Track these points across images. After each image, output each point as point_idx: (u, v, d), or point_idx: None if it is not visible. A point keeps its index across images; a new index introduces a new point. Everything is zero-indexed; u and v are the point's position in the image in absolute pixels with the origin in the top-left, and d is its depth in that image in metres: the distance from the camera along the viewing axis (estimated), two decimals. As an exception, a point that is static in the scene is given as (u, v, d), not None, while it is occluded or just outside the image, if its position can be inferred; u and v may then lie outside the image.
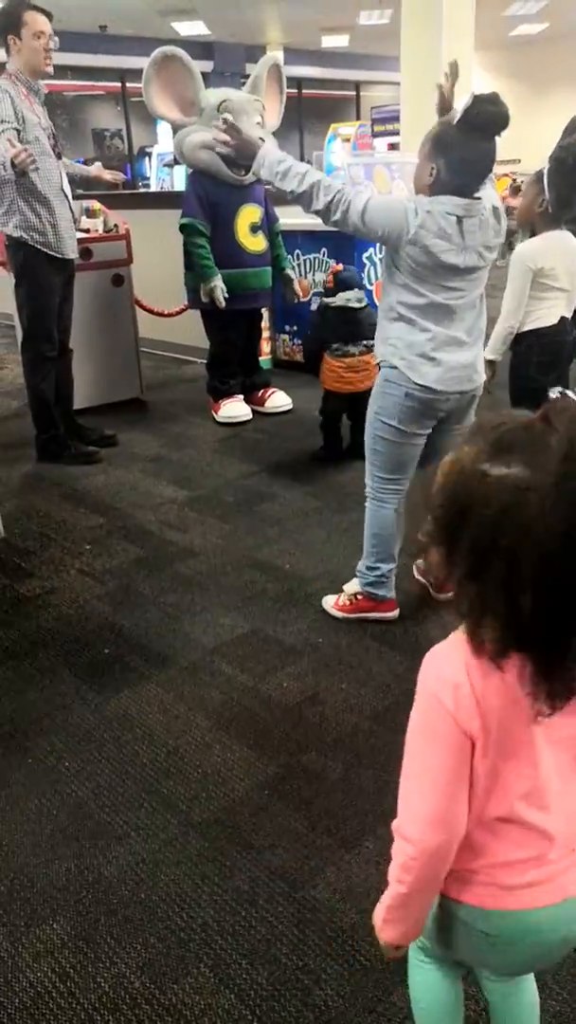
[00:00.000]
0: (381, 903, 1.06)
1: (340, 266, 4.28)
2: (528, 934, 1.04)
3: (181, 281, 4.65)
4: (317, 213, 2.41)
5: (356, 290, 4.00)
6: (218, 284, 4.31)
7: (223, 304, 4.33)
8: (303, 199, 2.39)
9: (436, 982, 1.24)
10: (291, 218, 4.80)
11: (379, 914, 1.07)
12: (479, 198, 2.33)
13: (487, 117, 2.18)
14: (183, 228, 4.37)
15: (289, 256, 5.59)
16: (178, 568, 3.12)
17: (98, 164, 4.48)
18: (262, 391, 4.91)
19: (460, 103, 2.21)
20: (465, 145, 2.23)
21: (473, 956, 1.12)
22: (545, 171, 2.90)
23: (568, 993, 1.48)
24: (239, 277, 4.45)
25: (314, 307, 4.64)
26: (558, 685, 0.89)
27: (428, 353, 2.41)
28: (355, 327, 3.90)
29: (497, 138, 2.27)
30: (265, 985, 1.53)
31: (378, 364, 2.54)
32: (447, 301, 2.39)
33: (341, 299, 3.95)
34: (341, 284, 4.03)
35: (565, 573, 0.82)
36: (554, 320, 3.04)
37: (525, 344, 3.11)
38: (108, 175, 4.36)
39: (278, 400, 4.88)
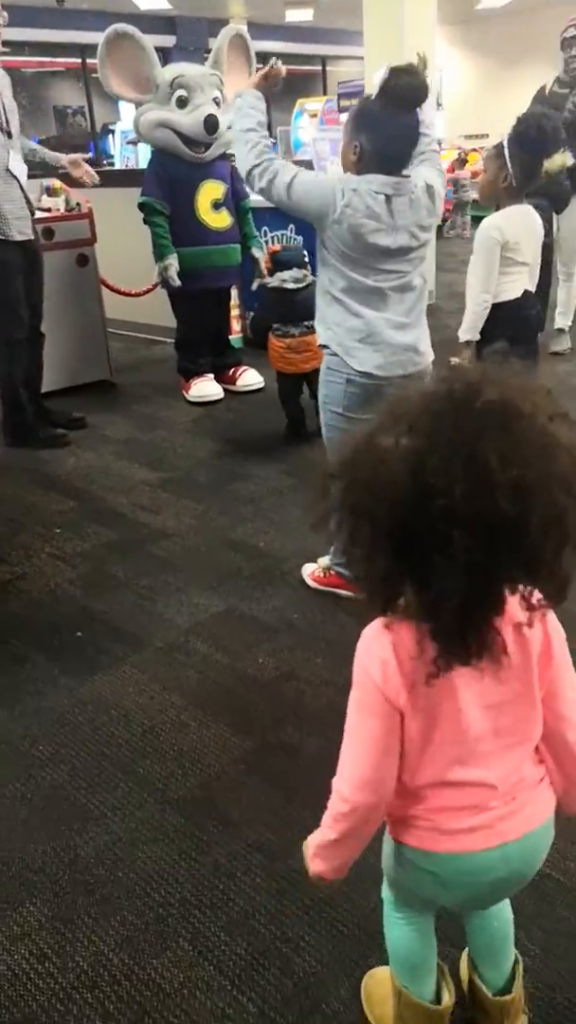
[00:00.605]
0: (313, 838, 1.17)
1: (278, 247, 4.28)
2: (470, 875, 1.11)
3: (149, 260, 4.59)
4: (247, 176, 2.40)
5: (296, 270, 3.98)
6: (172, 263, 4.26)
7: (176, 283, 4.29)
8: (241, 156, 2.39)
9: (410, 935, 1.28)
10: (257, 194, 4.75)
11: (309, 848, 1.18)
12: (407, 176, 2.30)
13: (405, 89, 2.14)
14: (141, 207, 4.33)
15: (258, 234, 5.56)
16: (151, 550, 3.11)
17: (76, 156, 4.41)
18: (233, 370, 4.88)
19: (377, 75, 2.17)
20: (387, 120, 2.20)
21: (426, 893, 1.18)
22: (506, 144, 2.88)
23: (540, 949, 1.51)
24: (203, 255, 4.41)
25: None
26: (455, 646, 0.94)
27: (364, 339, 2.37)
28: (293, 308, 3.86)
29: (419, 111, 2.22)
30: (244, 956, 1.55)
31: (321, 346, 2.51)
32: (379, 284, 2.35)
33: (277, 279, 3.94)
34: (279, 265, 4.03)
35: (416, 533, 0.86)
36: (518, 293, 3.04)
37: (490, 319, 3.11)
38: (81, 171, 4.29)
39: (249, 378, 4.86)
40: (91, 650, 2.52)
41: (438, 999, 1.29)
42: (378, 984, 1.42)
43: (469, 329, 3.04)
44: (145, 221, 4.34)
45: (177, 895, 1.68)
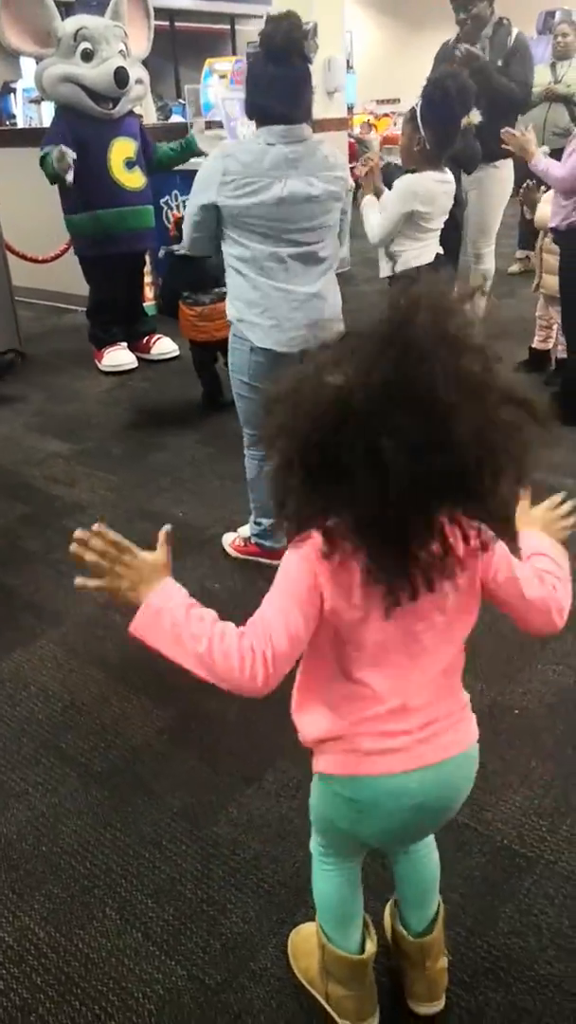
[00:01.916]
0: (174, 618, 1.04)
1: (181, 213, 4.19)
2: (387, 799, 1.12)
3: (57, 224, 4.45)
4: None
5: None
6: (65, 150, 3.99)
7: (70, 164, 4.00)
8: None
9: (337, 885, 1.32)
10: (167, 156, 4.65)
11: (154, 616, 1.05)
12: (301, 125, 2.25)
13: (281, 35, 2.11)
14: (42, 161, 4.12)
15: (167, 197, 5.44)
16: (67, 523, 3.05)
17: None
18: (147, 338, 4.80)
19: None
20: (271, 70, 2.16)
21: (347, 824, 1.19)
22: (418, 109, 2.87)
23: (459, 895, 1.57)
24: (117, 217, 4.30)
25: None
26: (391, 570, 0.93)
27: (263, 313, 2.33)
28: (203, 275, 3.78)
29: (308, 61, 2.19)
30: (171, 921, 1.56)
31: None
32: (279, 251, 2.29)
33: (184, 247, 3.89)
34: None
35: (343, 455, 0.86)
36: (430, 258, 3.06)
37: (403, 284, 3.14)
38: None
39: (164, 346, 4.78)
40: (7, 626, 2.47)
41: (361, 949, 1.33)
42: (303, 940, 1.45)
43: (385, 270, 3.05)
44: (49, 175, 4.14)
45: (102, 866, 1.68)
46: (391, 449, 0.84)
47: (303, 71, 2.20)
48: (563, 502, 1.26)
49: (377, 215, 3.01)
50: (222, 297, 3.89)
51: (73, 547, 1.06)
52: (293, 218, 2.26)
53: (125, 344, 4.69)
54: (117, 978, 1.47)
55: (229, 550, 2.80)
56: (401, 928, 1.37)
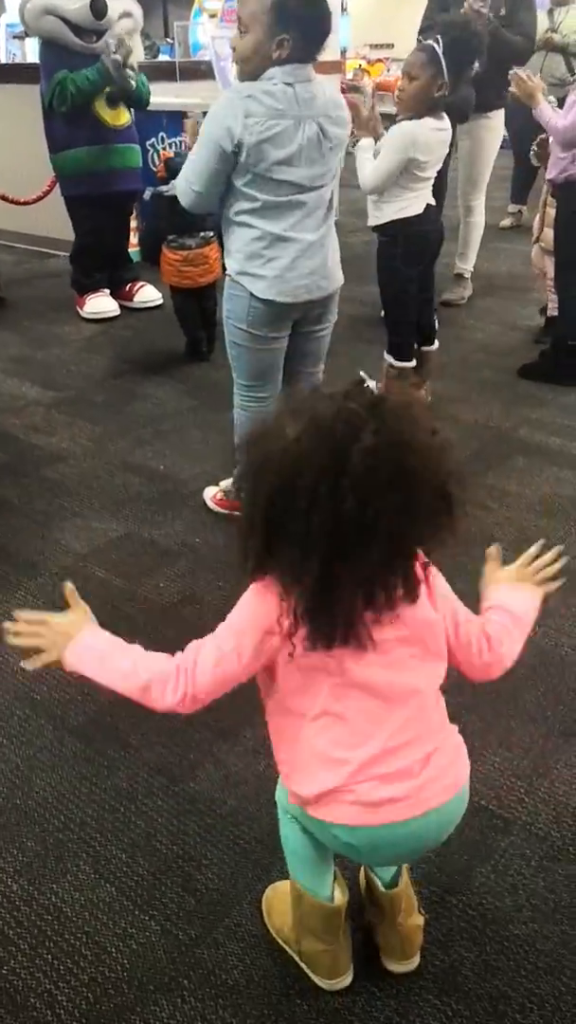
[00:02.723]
0: (103, 661, 1.16)
1: (172, 152, 4.05)
2: (386, 845, 1.16)
3: (39, 165, 4.30)
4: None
5: None
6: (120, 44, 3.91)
7: (130, 48, 3.91)
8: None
9: (305, 836, 1.30)
10: (157, 96, 4.49)
11: (88, 656, 1.16)
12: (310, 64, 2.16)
13: None
14: (60, 84, 3.95)
15: (153, 139, 5.28)
16: (45, 473, 2.99)
17: None
18: (130, 285, 4.67)
19: None
20: (302, 9, 2.06)
21: (334, 847, 1.23)
22: (440, 51, 2.73)
23: (435, 855, 1.57)
24: (102, 155, 4.17)
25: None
26: (320, 631, 1.04)
27: (266, 263, 2.25)
28: (190, 218, 3.63)
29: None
30: (146, 876, 1.55)
31: (227, 275, 2.39)
32: (282, 198, 2.21)
33: (172, 187, 3.77)
34: (173, 173, 3.82)
35: (286, 523, 0.97)
36: (420, 209, 2.97)
37: (391, 235, 3.04)
38: None
39: (147, 294, 4.66)
40: (-17, 577, 2.42)
41: (332, 898, 1.32)
42: (278, 898, 1.45)
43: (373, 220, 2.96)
44: (69, 93, 3.97)
45: (77, 820, 1.66)
46: (327, 530, 0.96)
47: (328, 8, 2.12)
48: (539, 555, 1.31)
49: (371, 161, 2.91)
50: (208, 241, 3.81)
51: (10, 639, 1.16)
52: (309, 163, 2.20)
53: (108, 291, 4.57)
54: (90, 932, 1.45)
55: (211, 504, 2.75)
56: (374, 879, 1.37)
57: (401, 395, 1.05)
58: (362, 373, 1.08)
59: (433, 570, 1.12)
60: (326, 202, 2.33)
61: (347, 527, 0.95)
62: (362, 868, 1.44)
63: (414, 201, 2.95)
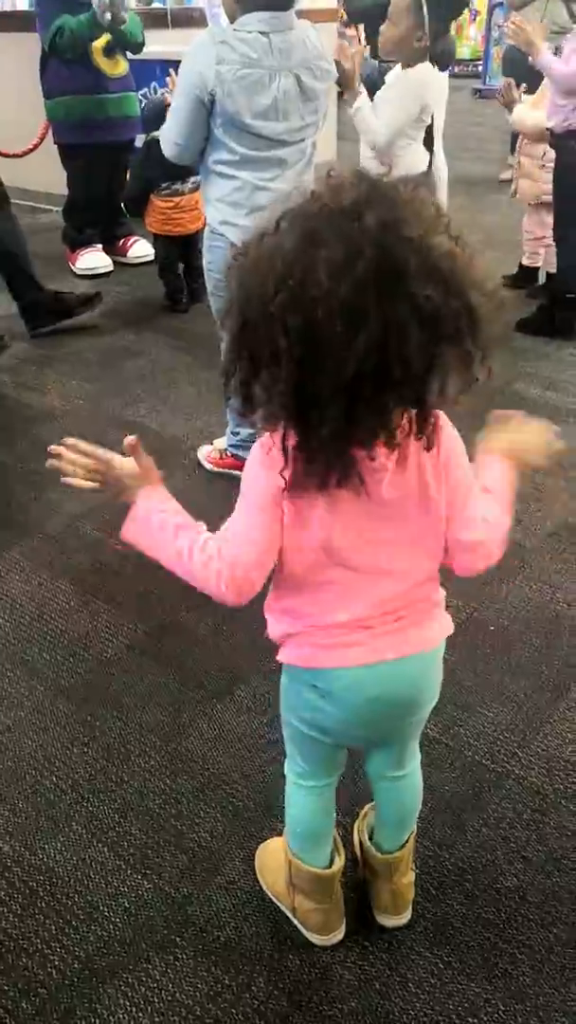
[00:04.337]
0: (161, 524, 1.05)
1: (169, 97, 3.92)
2: (343, 691, 1.10)
3: (31, 115, 4.18)
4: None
5: None
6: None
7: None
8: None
9: (312, 806, 1.30)
10: (150, 44, 4.34)
11: (142, 523, 1.06)
12: (289, 11, 2.06)
13: None
14: (59, 29, 3.85)
15: (146, 89, 5.13)
16: (38, 432, 2.95)
17: None
18: (123, 240, 4.58)
19: None
20: None
21: (311, 714, 1.16)
22: (424, 1, 2.63)
23: (429, 811, 1.57)
24: (98, 104, 4.06)
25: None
26: (315, 468, 0.92)
27: (251, 214, 2.17)
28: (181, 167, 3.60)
29: None
30: (138, 835, 1.55)
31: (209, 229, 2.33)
32: (263, 153, 2.14)
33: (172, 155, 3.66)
34: (146, 122, 3.73)
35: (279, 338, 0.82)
36: (423, 167, 2.84)
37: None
38: None
39: (141, 249, 4.56)
40: (-26, 539, 2.40)
41: (329, 864, 1.32)
42: (270, 855, 1.45)
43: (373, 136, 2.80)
44: (64, 41, 3.87)
45: (69, 781, 1.66)
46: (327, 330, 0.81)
47: None
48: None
49: (376, 114, 2.79)
50: (199, 186, 3.71)
51: (49, 462, 1.08)
52: (286, 117, 2.12)
53: (100, 246, 4.48)
54: (83, 892, 1.46)
55: (205, 463, 2.72)
56: (371, 845, 1.36)
57: (412, 191, 0.86)
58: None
59: (447, 432, 1.00)
60: (306, 156, 2.26)
61: (326, 320, 0.80)
62: (358, 829, 1.44)
63: (415, 158, 2.81)
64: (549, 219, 3.77)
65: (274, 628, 1.14)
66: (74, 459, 1.07)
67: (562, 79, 3.22)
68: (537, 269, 4.14)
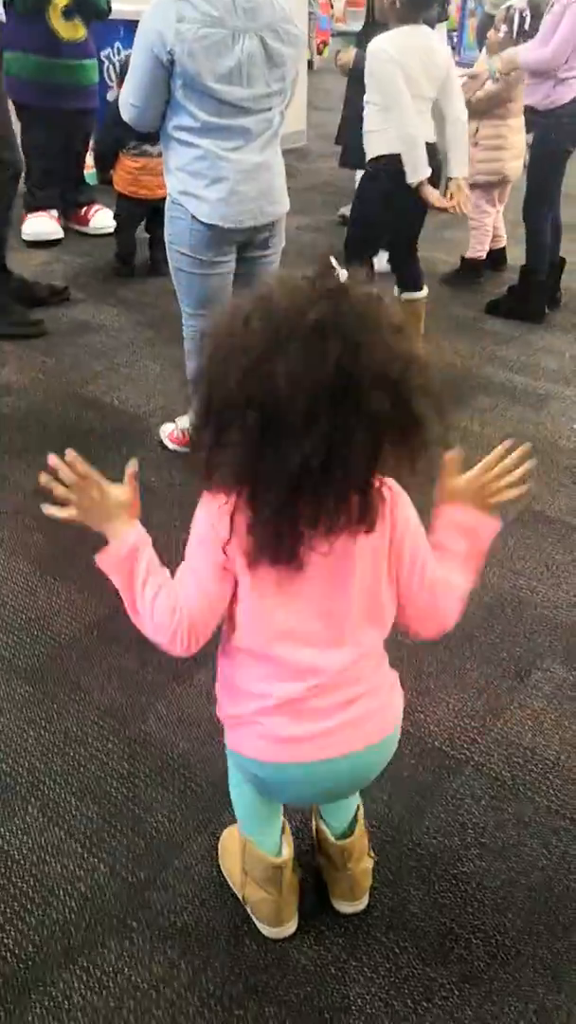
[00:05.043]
0: (132, 572, 1.08)
1: None
2: (296, 785, 1.13)
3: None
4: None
5: None
6: None
7: None
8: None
9: (254, 795, 1.29)
10: (117, 3, 4.21)
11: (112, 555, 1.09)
12: None
13: None
14: None
15: (109, 50, 4.99)
16: (-5, 406, 2.88)
17: None
18: (85, 208, 4.46)
19: None
20: None
21: (261, 791, 1.21)
22: None
23: (387, 796, 1.57)
24: (49, 67, 3.92)
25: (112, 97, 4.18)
26: (266, 545, 0.97)
27: (209, 185, 2.14)
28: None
29: None
30: (95, 819, 1.53)
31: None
32: (227, 121, 2.08)
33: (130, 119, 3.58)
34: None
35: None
36: (430, 136, 2.80)
37: (372, 170, 2.88)
38: None
39: (103, 219, 4.44)
40: None
41: (279, 852, 1.32)
42: (232, 840, 1.44)
43: (413, 171, 2.73)
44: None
45: (25, 764, 1.63)
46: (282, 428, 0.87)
47: None
48: (507, 453, 1.13)
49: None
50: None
51: (43, 478, 1.05)
52: (250, 82, 2.05)
53: (55, 212, 4.35)
54: (38, 876, 1.44)
55: (167, 442, 2.68)
56: (324, 829, 1.36)
57: (368, 289, 0.92)
58: (332, 259, 0.94)
59: (401, 500, 1.04)
60: (274, 126, 2.20)
61: (281, 417, 0.86)
62: (313, 816, 1.44)
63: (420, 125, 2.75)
64: (481, 202, 3.80)
65: (225, 703, 1.14)
66: (67, 478, 1.06)
67: (546, 63, 3.19)
68: (503, 249, 4.14)
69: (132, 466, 1.09)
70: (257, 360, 0.86)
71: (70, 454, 1.06)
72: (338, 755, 1.08)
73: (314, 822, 1.43)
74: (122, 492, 1.09)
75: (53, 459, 1.06)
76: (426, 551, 1.09)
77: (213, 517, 1.00)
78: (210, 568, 1.03)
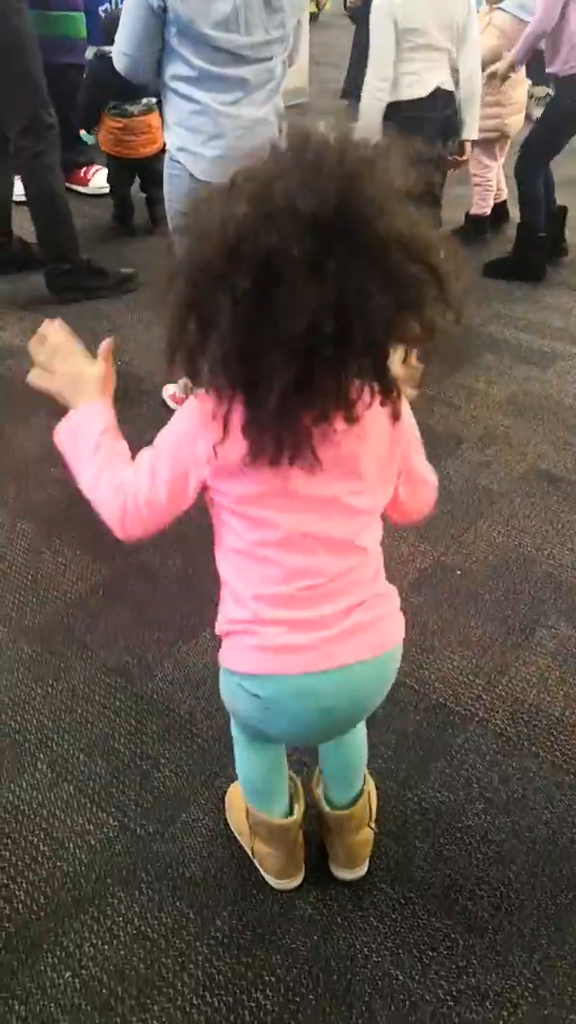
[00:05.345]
0: (87, 436, 1.05)
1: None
2: (291, 699, 1.06)
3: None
4: None
5: None
6: None
7: None
8: None
9: (259, 764, 1.30)
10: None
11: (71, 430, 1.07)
12: None
13: None
14: None
15: (107, 4, 4.86)
16: (-3, 368, 2.86)
17: None
18: (84, 169, 4.39)
19: None
20: None
21: (256, 721, 1.13)
22: None
23: (392, 751, 1.59)
24: (35, 19, 3.79)
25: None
26: (265, 441, 0.87)
27: (208, 141, 2.09)
28: (131, 83, 3.44)
29: None
30: (104, 775, 1.55)
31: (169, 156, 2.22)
32: (227, 72, 2.03)
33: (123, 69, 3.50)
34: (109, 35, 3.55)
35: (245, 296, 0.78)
36: (424, 92, 2.71)
37: (385, 125, 2.81)
38: None
39: (103, 179, 4.36)
40: None
41: (289, 813, 1.32)
42: (238, 794, 1.45)
43: (360, 128, 2.71)
44: None
45: (34, 722, 1.64)
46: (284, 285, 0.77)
47: None
48: None
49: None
50: (151, 109, 3.56)
51: (32, 341, 1.07)
52: (249, 30, 1.99)
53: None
54: (48, 829, 1.46)
55: (169, 402, 2.67)
56: (322, 799, 1.36)
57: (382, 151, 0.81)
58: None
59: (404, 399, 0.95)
60: (276, 77, 2.14)
61: (279, 273, 0.76)
62: (313, 783, 1.41)
63: (417, 80, 2.68)
64: (483, 157, 3.76)
65: (220, 618, 1.09)
66: (51, 342, 1.06)
67: (540, 32, 3.17)
68: (504, 203, 4.09)
69: (108, 342, 1.06)
70: (250, 207, 0.77)
71: (58, 320, 1.05)
72: (335, 666, 1.02)
73: (313, 790, 1.39)
74: (96, 367, 1.07)
75: (45, 323, 1.07)
76: (418, 444, 1.05)
77: (201, 420, 0.92)
78: (176, 475, 0.97)
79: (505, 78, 3.44)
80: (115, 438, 1.04)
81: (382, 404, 0.88)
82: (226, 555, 1.05)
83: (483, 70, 3.47)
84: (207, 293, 0.80)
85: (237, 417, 0.87)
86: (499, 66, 3.38)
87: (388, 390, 0.86)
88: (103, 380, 1.07)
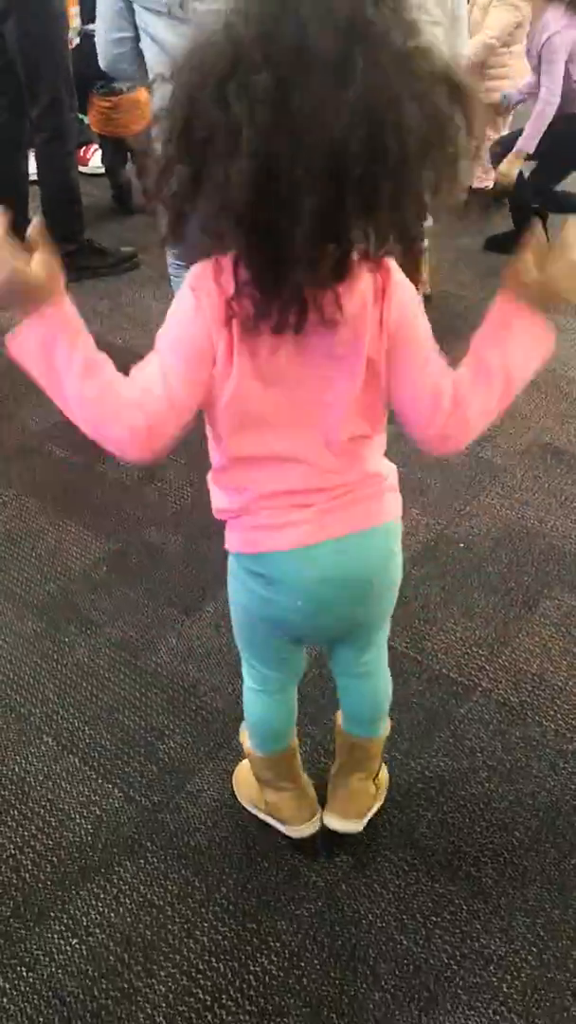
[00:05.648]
0: (68, 360, 0.93)
1: None
2: (290, 573, 1.05)
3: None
4: None
5: None
6: None
7: None
8: None
9: (269, 707, 1.30)
10: None
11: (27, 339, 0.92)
12: None
13: None
14: None
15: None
16: (-1, 347, 2.85)
17: None
18: (84, 148, 4.35)
19: None
20: None
21: (260, 607, 1.13)
22: None
23: (395, 721, 1.59)
24: None
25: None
26: (268, 304, 0.82)
27: None
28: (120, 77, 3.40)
29: None
30: (108, 747, 1.56)
31: None
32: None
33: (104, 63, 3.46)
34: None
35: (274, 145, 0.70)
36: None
37: None
38: None
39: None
40: None
41: (284, 738, 1.34)
42: (244, 770, 1.46)
43: None
44: None
45: (39, 696, 1.65)
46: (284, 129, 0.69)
47: None
48: None
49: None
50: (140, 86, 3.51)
51: None
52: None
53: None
54: (53, 800, 1.47)
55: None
56: (343, 721, 1.36)
57: None
58: None
59: (401, 285, 0.89)
60: None
61: (297, 89, 0.68)
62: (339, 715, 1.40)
63: None
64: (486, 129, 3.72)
65: (217, 500, 1.07)
66: None
67: (551, 107, 3.18)
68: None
69: (37, 220, 0.88)
70: (261, 13, 0.70)
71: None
72: (329, 537, 1.02)
73: (337, 719, 1.39)
74: (37, 263, 0.87)
75: None
76: (429, 350, 0.95)
77: (203, 282, 0.86)
78: (187, 366, 0.91)
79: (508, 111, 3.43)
80: (94, 347, 0.95)
81: (401, 260, 0.84)
82: (220, 447, 1.02)
83: (501, 46, 3.47)
84: (212, 109, 0.71)
85: (236, 277, 0.82)
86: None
87: (412, 240, 0.81)
88: (55, 278, 0.90)
